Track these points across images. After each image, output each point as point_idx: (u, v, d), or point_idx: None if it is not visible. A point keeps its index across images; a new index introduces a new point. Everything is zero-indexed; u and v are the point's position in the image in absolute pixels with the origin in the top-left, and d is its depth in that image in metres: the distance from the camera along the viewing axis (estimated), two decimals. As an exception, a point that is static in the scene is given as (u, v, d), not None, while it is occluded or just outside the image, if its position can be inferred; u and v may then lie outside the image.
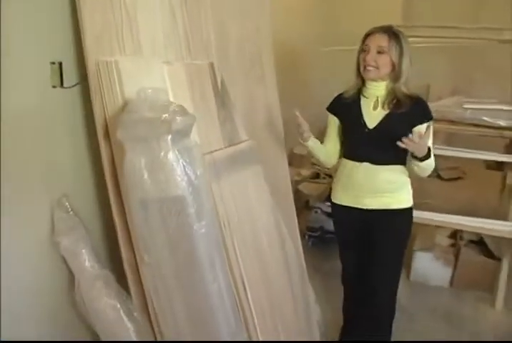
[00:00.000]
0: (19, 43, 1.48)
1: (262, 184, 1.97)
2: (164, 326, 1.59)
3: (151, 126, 1.36)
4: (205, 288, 1.46)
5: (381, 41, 1.87)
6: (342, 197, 2.07)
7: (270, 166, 2.26)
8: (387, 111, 1.93)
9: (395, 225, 2.02)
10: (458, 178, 4.58)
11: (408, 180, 2.02)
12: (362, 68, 1.92)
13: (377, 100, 1.95)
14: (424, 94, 4.96)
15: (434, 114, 1.98)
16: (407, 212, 2.03)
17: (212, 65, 1.92)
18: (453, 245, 3.13)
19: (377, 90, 1.95)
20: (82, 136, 1.76)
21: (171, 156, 1.37)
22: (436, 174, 4.36)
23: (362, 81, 1.98)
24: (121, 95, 1.52)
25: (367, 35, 1.92)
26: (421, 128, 1.86)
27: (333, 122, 2.08)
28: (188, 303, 1.49)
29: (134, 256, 1.66)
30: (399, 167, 1.97)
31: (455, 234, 3.22)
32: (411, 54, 1.91)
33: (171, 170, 1.37)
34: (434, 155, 1.90)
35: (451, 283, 3.06)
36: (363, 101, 1.98)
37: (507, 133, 3.39)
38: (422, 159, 1.82)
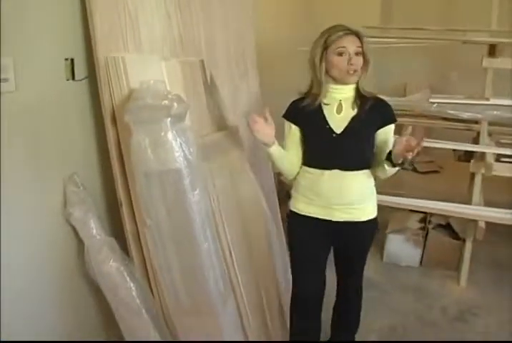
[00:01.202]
0: (39, 42, 1.75)
1: (246, 165, 2.24)
2: (162, 284, 1.85)
3: (153, 111, 1.63)
4: (197, 247, 1.74)
5: (357, 42, 1.81)
6: (307, 207, 1.95)
7: (253, 154, 2.53)
8: (352, 114, 1.86)
9: (363, 236, 1.99)
10: (434, 171, 4.87)
11: (374, 187, 1.98)
12: (341, 73, 1.81)
13: (341, 103, 1.87)
14: (401, 93, 5.28)
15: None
16: (374, 222, 1.99)
17: (202, 62, 2.19)
18: (422, 228, 3.42)
19: (341, 93, 1.87)
20: (90, 122, 2.02)
21: (170, 135, 1.64)
22: (412, 167, 4.64)
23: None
24: (127, 86, 1.78)
25: (339, 36, 1.80)
26: (387, 129, 1.88)
27: (292, 130, 1.95)
28: (182, 260, 1.77)
29: (136, 226, 1.93)
30: (367, 172, 1.92)
31: (425, 219, 3.51)
32: None
33: (170, 147, 1.64)
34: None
35: (421, 262, 3.35)
36: (325, 106, 1.88)
37: (474, 126, 3.72)
38: (396, 164, 1.78)
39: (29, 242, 1.81)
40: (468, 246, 3.10)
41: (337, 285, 2.17)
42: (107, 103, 1.83)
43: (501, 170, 2.81)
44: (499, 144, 3.36)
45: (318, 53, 1.84)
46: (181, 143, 1.66)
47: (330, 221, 1.93)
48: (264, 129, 1.83)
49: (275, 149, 1.89)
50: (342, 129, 1.85)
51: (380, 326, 2.64)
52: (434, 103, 3.15)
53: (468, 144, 3.09)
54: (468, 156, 4.17)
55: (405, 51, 4.68)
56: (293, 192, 2.02)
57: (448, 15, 5.12)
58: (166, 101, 1.63)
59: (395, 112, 1.93)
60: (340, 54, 1.81)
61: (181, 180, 1.68)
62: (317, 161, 1.91)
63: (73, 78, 1.92)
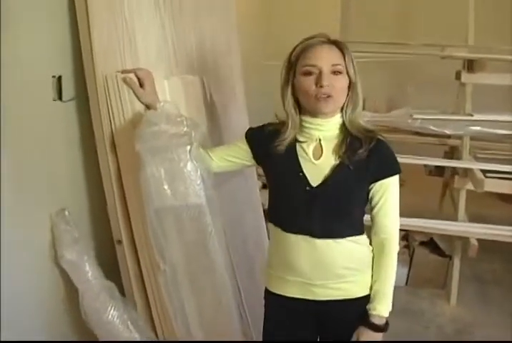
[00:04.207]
0: (23, 57, 1.48)
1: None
2: (176, 332, 1.62)
3: (170, 138, 1.42)
4: (222, 295, 1.53)
5: (335, 56, 1.35)
6: (281, 285, 1.49)
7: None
8: (336, 160, 1.39)
9: (360, 315, 1.45)
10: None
11: (371, 254, 1.47)
12: (310, 99, 1.35)
13: (320, 144, 1.41)
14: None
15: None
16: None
17: (202, 80, 1.99)
18: (406, 246, 3.35)
19: (320, 130, 1.41)
20: (79, 149, 1.76)
21: (189, 166, 1.43)
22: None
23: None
24: (131, 108, 1.55)
25: (306, 48, 1.36)
26: (385, 184, 1.38)
27: (244, 149, 1.52)
28: (203, 309, 1.55)
29: (139, 267, 1.69)
30: (359, 239, 1.44)
31: (407, 236, 3.45)
32: None
33: (190, 180, 1.43)
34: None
35: (407, 282, 3.27)
36: (299, 146, 1.42)
37: (449, 141, 3.72)
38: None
39: (11, 291, 1.52)
40: (456, 263, 3.06)
41: None
42: (106, 127, 1.59)
43: (492, 186, 2.77)
44: (477, 159, 3.36)
45: (283, 74, 1.42)
46: (202, 175, 1.45)
47: (311, 300, 1.46)
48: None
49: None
50: (319, 181, 1.38)
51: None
52: (417, 119, 3.08)
53: (456, 161, 3.05)
54: (440, 170, 4.20)
55: (365, 66, 4.67)
56: (265, 264, 1.59)
57: (404, 30, 5.16)
58: (185, 128, 1.42)
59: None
60: (307, 74, 1.35)
61: (203, 217, 1.47)
62: (285, 222, 1.44)
63: (60, 98, 1.66)
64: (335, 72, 1.34)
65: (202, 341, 1.66)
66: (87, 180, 1.79)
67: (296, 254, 1.42)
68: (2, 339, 1.48)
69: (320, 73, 1.33)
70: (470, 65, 3.15)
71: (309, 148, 1.41)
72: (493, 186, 2.78)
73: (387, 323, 1.44)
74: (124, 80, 1.53)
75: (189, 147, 1.42)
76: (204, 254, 1.49)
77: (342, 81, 1.36)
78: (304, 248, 1.40)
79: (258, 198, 2.62)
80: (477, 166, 2.92)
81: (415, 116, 3.11)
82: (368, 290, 1.46)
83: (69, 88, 1.67)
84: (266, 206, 1.55)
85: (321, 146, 1.41)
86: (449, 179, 3.90)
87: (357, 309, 1.45)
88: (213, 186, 1.50)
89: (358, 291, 1.45)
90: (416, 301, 3.08)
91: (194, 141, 1.43)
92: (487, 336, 2.68)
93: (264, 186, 4.27)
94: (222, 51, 2.40)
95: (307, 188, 1.38)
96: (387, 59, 4.01)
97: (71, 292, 1.69)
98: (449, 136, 3.61)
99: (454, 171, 3.63)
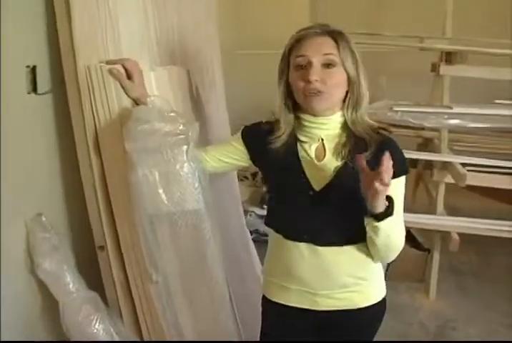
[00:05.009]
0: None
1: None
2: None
3: (165, 137, 1.28)
4: (220, 309, 1.42)
5: (326, 46, 1.23)
6: (281, 293, 1.39)
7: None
8: (340, 162, 1.28)
9: (364, 328, 1.42)
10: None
11: (378, 265, 1.40)
12: (301, 96, 1.26)
13: (323, 144, 1.30)
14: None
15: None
16: (380, 305, 1.41)
17: (188, 72, 1.85)
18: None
19: (322, 129, 1.30)
20: (56, 148, 1.60)
21: (186, 168, 1.30)
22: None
23: (295, 116, 1.33)
24: (117, 102, 1.40)
25: (298, 40, 1.26)
26: (392, 185, 1.19)
27: (241, 151, 1.41)
28: (199, 322, 1.43)
29: (126, 276, 1.55)
30: (362, 245, 1.33)
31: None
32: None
33: (187, 183, 1.30)
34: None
35: (386, 276, 3.23)
36: (300, 147, 1.32)
37: (423, 132, 3.70)
38: (381, 217, 1.19)
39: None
40: (436, 257, 3.04)
41: None
42: (89, 124, 1.43)
43: (473, 180, 2.75)
44: (454, 151, 3.35)
45: (280, 67, 1.32)
46: (199, 178, 1.32)
47: (313, 310, 1.37)
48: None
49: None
50: (323, 185, 1.28)
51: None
52: (398, 111, 3.03)
53: (438, 154, 3.01)
54: (414, 161, 4.18)
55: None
56: (263, 269, 1.49)
57: (379, 21, 5.09)
58: (181, 126, 1.29)
59: None
60: (298, 67, 1.25)
61: (200, 223, 1.34)
62: (286, 228, 1.34)
63: (35, 90, 1.49)
64: (328, 65, 1.23)
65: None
66: (66, 182, 1.63)
67: (298, 262, 1.33)
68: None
69: (310, 64, 1.22)
70: (449, 57, 3.11)
71: (312, 149, 1.31)
72: (474, 179, 2.76)
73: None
74: (111, 71, 1.38)
75: (185, 147, 1.29)
76: (201, 264, 1.37)
77: (337, 75, 1.24)
78: (307, 256, 1.31)
79: (238, 194, 2.51)
80: (462, 160, 2.89)
81: (395, 108, 3.05)
82: (372, 300, 1.39)
83: (44, 80, 1.51)
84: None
85: (324, 146, 1.30)
86: (422, 171, 3.90)
87: (360, 320, 1.39)
88: (210, 190, 1.37)
89: (362, 301, 1.37)
90: (396, 296, 3.04)
91: (191, 140, 1.30)
92: (470, 330, 2.67)
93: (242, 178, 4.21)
94: (203, 39, 2.26)
95: (310, 192, 1.29)
96: (361, 50, 3.94)
97: (51, 305, 1.54)
98: (423, 128, 3.59)
99: (427, 163, 3.63)
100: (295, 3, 5.01)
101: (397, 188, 1.29)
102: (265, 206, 3.51)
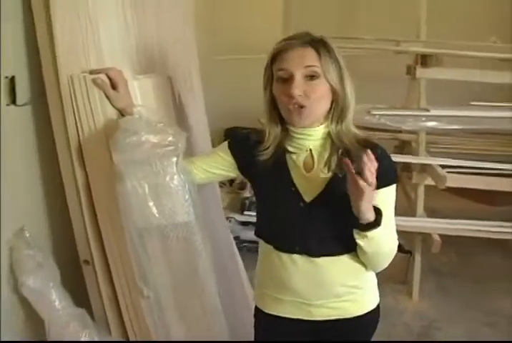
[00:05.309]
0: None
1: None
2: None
3: (154, 149, 1.25)
4: (213, 323, 1.39)
5: (308, 58, 1.19)
6: (275, 305, 1.37)
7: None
8: (330, 172, 1.26)
9: (359, 334, 1.42)
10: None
11: (371, 272, 1.40)
12: (285, 110, 1.23)
13: (311, 154, 1.28)
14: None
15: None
16: (373, 313, 1.41)
17: (170, 79, 1.81)
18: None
19: (310, 139, 1.27)
20: (36, 160, 1.54)
21: (176, 180, 1.27)
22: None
23: (282, 127, 1.30)
24: (102, 113, 1.36)
25: (279, 52, 1.22)
26: (382, 194, 1.24)
27: (228, 161, 1.37)
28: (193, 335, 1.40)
29: (114, 291, 1.51)
30: (355, 254, 1.31)
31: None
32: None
33: (177, 195, 1.27)
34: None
35: (369, 279, 3.25)
36: (289, 158, 1.29)
37: (400, 135, 3.74)
38: (368, 227, 1.19)
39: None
40: (418, 259, 3.07)
41: None
42: (73, 136, 1.38)
43: (453, 181, 2.78)
44: (431, 153, 3.39)
45: (264, 78, 1.28)
46: (190, 190, 1.29)
47: (309, 321, 1.35)
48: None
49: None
50: (313, 196, 1.26)
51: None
52: (375, 115, 3.05)
53: (423, 157, 3.03)
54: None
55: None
56: (255, 281, 1.45)
57: (351, 24, 5.13)
58: (170, 137, 1.26)
59: None
60: (280, 80, 1.22)
61: (192, 236, 1.31)
62: (277, 240, 1.32)
63: (14, 102, 1.44)
64: (311, 76, 1.20)
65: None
66: (48, 195, 1.58)
67: (291, 272, 1.31)
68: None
69: (292, 78, 1.19)
70: (424, 60, 3.15)
71: (300, 160, 1.29)
72: (454, 181, 2.79)
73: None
74: (95, 81, 1.33)
75: (175, 159, 1.26)
76: (193, 277, 1.35)
77: (320, 87, 1.20)
78: (299, 266, 1.30)
79: (221, 201, 2.49)
80: (442, 162, 2.92)
81: (373, 112, 3.06)
82: (366, 309, 1.38)
83: (24, 91, 1.45)
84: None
85: (312, 156, 1.28)
86: (400, 174, 3.93)
87: (355, 328, 1.38)
88: (199, 201, 1.35)
89: (357, 310, 1.37)
90: (380, 299, 3.06)
91: (181, 151, 1.27)
92: (454, 330, 2.70)
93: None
94: (182, 45, 2.23)
95: (301, 204, 1.27)
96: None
97: (36, 324, 1.49)
98: (400, 131, 3.62)
99: (405, 165, 3.66)
100: (269, 8, 5.01)
101: (387, 197, 1.28)
102: (246, 212, 3.54)
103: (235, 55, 4.34)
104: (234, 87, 4.55)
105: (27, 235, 1.46)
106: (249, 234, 3.52)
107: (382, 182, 1.23)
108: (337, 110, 1.25)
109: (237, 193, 3.99)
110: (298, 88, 1.18)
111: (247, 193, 3.71)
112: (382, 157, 1.24)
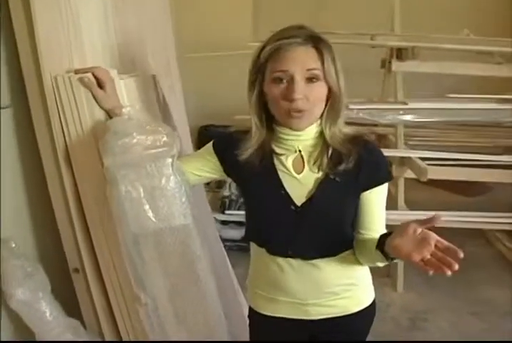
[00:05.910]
0: None
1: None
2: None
3: (148, 150, 1.20)
4: (214, 327, 1.34)
5: (311, 60, 1.12)
6: (269, 305, 1.34)
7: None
8: (320, 173, 1.21)
9: (355, 332, 1.39)
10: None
11: (366, 268, 1.36)
12: (282, 114, 1.17)
13: (301, 155, 1.22)
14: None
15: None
16: (370, 309, 1.37)
17: (154, 77, 1.76)
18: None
19: (300, 139, 1.21)
20: (19, 165, 1.47)
21: (172, 182, 1.22)
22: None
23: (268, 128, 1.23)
24: (89, 114, 1.30)
25: (277, 50, 1.12)
26: (376, 192, 1.22)
27: (214, 164, 1.30)
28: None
29: (107, 300, 1.45)
30: (348, 253, 1.29)
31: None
32: None
33: (174, 198, 1.23)
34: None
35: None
36: (277, 159, 1.23)
37: (377, 129, 3.75)
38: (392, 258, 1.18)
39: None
40: (401, 251, 3.08)
41: None
42: (59, 139, 1.32)
43: (435, 174, 2.81)
44: (409, 146, 3.41)
45: (249, 75, 1.19)
46: (186, 191, 1.25)
47: (306, 320, 1.32)
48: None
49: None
50: (304, 199, 1.21)
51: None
52: (353, 109, 3.04)
53: (403, 150, 3.04)
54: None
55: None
56: (248, 282, 1.41)
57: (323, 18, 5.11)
58: (164, 137, 1.21)
59: None
60: (277, 80, 1.14)
61: (189, 240, 1.26)
62: (270, 244, 1.28)
63: (-6, 105, 1.37)
64: (312, 78, 1.13)
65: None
66: (33, 201, 1.51)
67: (285, 274, 1.28)
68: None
69: (292, 80, 1.11)
70: (399, 53, 3.16)
71: (289, 161, 1.22)
72: (434, 173, 2.81)
73: None
74: (82, 81, 1.27)
75: (170, 160, 1.21)
76: (192, 282, 1.30)
77: (319, 90, 1.14)
78: (293, 269, 1.27)
79: (206, 200, 2.45)
80: (422, 155, 2.94)
81: (351, 106, 3.06)
82: (362, 305, 1.35)
83: (3, 94, 1.38)
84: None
85: (302, 157, 1.22)
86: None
87: (353, 325, 1.35)
88: (197, 204, 1.30)
89: (354, 306, 1.34)
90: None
91: (176, 152, 1.23)
92: (441, 321, 2.72)
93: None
94: (161, 44, 2.17)
95: (292, 207, 1.21)
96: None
97: (26, 337, 1.42)
98: (376, 124, 3.63)
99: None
100: (237, 3, 4.95)
101: (382, 196, 1.25)
102: (227, 212, 3.50)
103: (204, 53, 4.27)
104: (205, 85, 4.48)
105: (13, 245, 1.39)
106: (231, 233, 3.51)
107: (375, 181, 1.21)
108: (331, 110, 1.19)
109: (215, 192, 3.95)
110: (299, 91, 1.12)
111: (226, 191, 3.66)
112: (372, 154, 1.21)
